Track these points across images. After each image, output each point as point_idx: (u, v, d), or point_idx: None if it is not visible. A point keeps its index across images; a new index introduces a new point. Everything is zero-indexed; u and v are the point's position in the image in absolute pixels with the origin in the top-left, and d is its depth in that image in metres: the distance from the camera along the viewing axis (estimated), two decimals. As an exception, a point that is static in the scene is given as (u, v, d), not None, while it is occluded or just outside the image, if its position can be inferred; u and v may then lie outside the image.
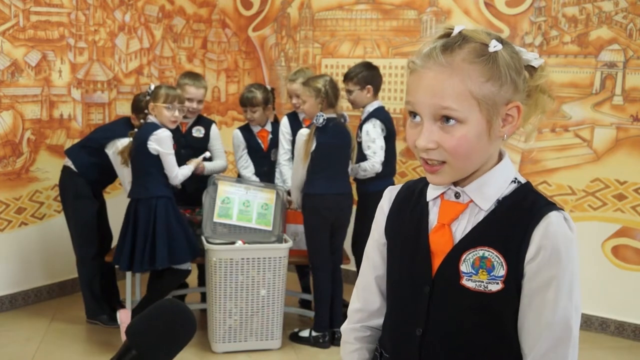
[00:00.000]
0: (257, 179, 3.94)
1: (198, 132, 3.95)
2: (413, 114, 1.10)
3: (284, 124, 3.90)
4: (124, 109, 4.54)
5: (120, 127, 3.75)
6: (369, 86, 3.72)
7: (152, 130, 3.36)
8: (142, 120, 3.46)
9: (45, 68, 4.07)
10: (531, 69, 1.11)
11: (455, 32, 1.08)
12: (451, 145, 1.06)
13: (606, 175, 3.84)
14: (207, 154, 3.80)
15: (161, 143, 3.36)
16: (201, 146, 3.94)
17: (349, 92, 3.74)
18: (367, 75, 3.73)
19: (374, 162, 3.60)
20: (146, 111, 3.45)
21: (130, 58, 4.61)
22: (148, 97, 3.44)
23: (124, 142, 3.55)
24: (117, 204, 3.99)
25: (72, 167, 3.74)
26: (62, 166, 3.82)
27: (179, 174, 3.45)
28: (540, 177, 4.00)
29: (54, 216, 4.19)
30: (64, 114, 4.22)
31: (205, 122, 4.04)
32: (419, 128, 1.09)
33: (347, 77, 3.76)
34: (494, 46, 1.06)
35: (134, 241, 3.37)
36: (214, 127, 4.02)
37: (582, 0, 3.82)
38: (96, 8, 4.34)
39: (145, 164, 3.41)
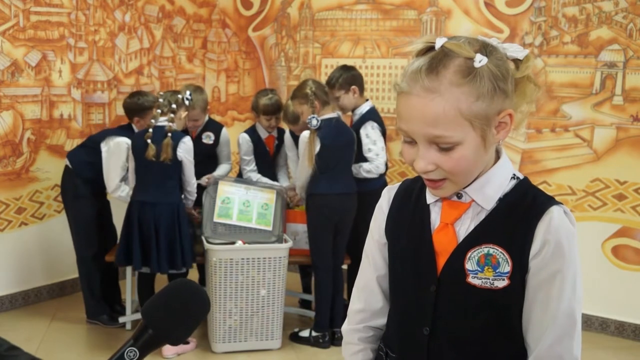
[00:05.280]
0: (266, 180, 3.95)
1: (208, 138, 3.94)
2: (407, 137, 1.10)
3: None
4: (124, 109, 4.54)
5: (122, 131, 3.76)
6: (353, 87, 3.71)
7: (180, 138, 3.43)
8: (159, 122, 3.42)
9: (45, 68, 4.07)
10: (517, 62, 1.11)
11: (437, 46, 1.06)
12: (450, 166, 1.06)
13: (606, 175, 3.84)
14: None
15: (189, 151, 3.45)
16: (211, 153, 3.94)
17: (336, 99, 3.71)
18: (348, 77, 3.72)
19: (378, 164, 3.62)
20: (171, 115, 3.41)
21: (130, 58, 4.61)
22: (188, 102, 3.51)
23: (118, 140, 3.61)
24: (120, 204, 3.97)
25: (70, 165, 3.75)
26: (63, 166, 3.83)
27: (195, 183, 3.57)
28: (540, 177, 4.00)
29: (54, 216, 4.19)
30: (64, 114, 4.22)
31: (215, 127, 4.01)
32: (415, 148, 1.09)
33: (330, 85, 3.72)
34: (479, 61, 1.04)
35: (158, 243, 3.41)
36: (224, 132, 4.03)
37: (582, 0, 3.82)
38: (96, 8, 4.34)
39: (170, 170, 3.43)
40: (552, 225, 1.07)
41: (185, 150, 3.43)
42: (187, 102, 3.52)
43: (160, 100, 3.45)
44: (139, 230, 3.42)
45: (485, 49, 1.06)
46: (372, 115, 3.73)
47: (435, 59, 1.04)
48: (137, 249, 3.41)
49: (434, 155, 1.06)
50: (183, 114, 3.51)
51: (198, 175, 3.72)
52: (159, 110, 3.43)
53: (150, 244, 3.41)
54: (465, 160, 1.06)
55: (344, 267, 3.77)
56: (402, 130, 1.09)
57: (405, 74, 1.07)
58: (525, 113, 1.14)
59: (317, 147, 3.45)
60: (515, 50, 1.10)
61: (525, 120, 1.15)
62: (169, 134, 3.37)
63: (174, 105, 3.43)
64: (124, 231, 3.48)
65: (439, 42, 1.06)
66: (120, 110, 4.51)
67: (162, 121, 3.41)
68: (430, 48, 1.07)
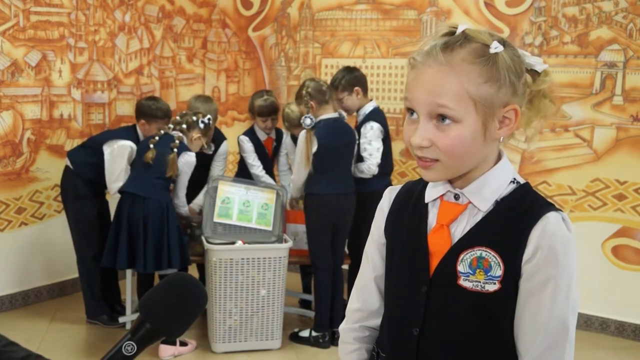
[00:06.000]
0: (270, 179, 3.95)
1: (209, 148, 3.91)
2: (410, 110, 1.10)
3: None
4: (124, 109, 4.54)
5: (125, 133, 3.78)
6: (356, 88, 3.72)
7: (185, 149, 3.49)
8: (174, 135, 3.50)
9: (45, 68, 4.07)
10: (534, 74, 1.11)
11: (459, 31, 1.08)
12: (445, 144, 1.06)
13: (606, 175, 3.84)
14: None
15: (188, 165, 3.49)
16: (208, 163, 3.94)
17: (340, 100, 3.72)
18: (351, 78, 3.73)
19: (370, 164, 3.61)
20: (180, 134, 3.51)
21: (130, 58, 4.61)
22: (203, 125, 3.56)
23: (122, 142, 3.64)
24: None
25: (71, 166, 3.75)
26: (63, 166, 3.83)
27: (183, 197, 3.61)
28: (540, 177, 4.00)
29: (54, 216, 4.19)
30: (64, 114, 4.22)
31: (217, 139, 3.99)
32: (415, 125, 1.09)
33: (333, 87, 3.72)
34: (495, 47, 1.05)
35: (146, 241, 3.41)
36: (224, 145, 4.02)
37: (582, 0, 3.82)
38: (96, 8, 4.34)
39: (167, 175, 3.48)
40: (547, 231, 1.06)
41: (186, 162, 3.48)
42: (201, 125, 3.57)
43: (178, 117, 3.58)
44: (127, 227, 3.42)
45: (504, 43, 1.08)
46: (375, 115, 3.72)
47: (453, 39, 1.07)
48: (123, 247, 3.41)
49: (432, 131, 1.07)
50: (195, 135, 3.56)
51: (196, 184, 3.74)
52: (170, 125, 3.54)
53: (137, 242, 3.40)
54: (461, 141, 1.06)
55: (344, 267, 3.77)
56: (407, 99, 1.10)
57: (422, 49, 1.09)
58: (538, 129, 1.15)
59: (314, 147, 3.46)
60: (534, 61, 1.11)
61: (537, 136, 1.15)
62: (175, 150, 3.43)
63: (184, 125, 3.52)
64: (112, 229, 3.49)
65: (461, 27, 1.09)
66: (120, 110, 4.52)
67: (173, 134, 3.51)
68: (451, 33, 1.10)
